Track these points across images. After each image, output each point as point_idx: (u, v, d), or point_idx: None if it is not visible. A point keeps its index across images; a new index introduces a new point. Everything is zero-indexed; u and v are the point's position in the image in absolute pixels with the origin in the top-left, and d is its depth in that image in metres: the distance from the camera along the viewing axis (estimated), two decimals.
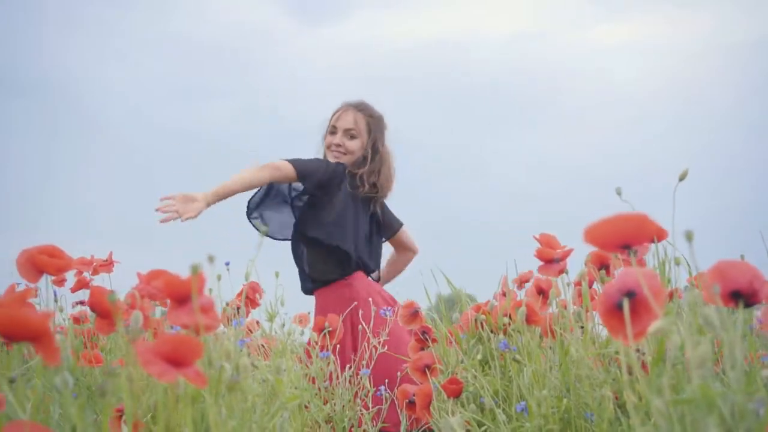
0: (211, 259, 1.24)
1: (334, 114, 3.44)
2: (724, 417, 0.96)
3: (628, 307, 1.10)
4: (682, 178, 1.72)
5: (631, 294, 1.11)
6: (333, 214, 3.24)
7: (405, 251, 3.64)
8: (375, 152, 3.36)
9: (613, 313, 1.14)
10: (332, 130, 3.40)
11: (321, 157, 3.44)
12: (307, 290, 3.31)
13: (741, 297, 1.12)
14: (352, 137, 3.36)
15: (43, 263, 1.50)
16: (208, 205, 2.85)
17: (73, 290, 2.96)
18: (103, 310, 1.57)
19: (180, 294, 1.21)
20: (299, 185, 3.32)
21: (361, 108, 3.43)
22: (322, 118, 3.51)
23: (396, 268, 3.67)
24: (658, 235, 1.76)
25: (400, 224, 3.58)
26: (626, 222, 1.15)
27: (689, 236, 1.09)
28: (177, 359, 1.08)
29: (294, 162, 3.16)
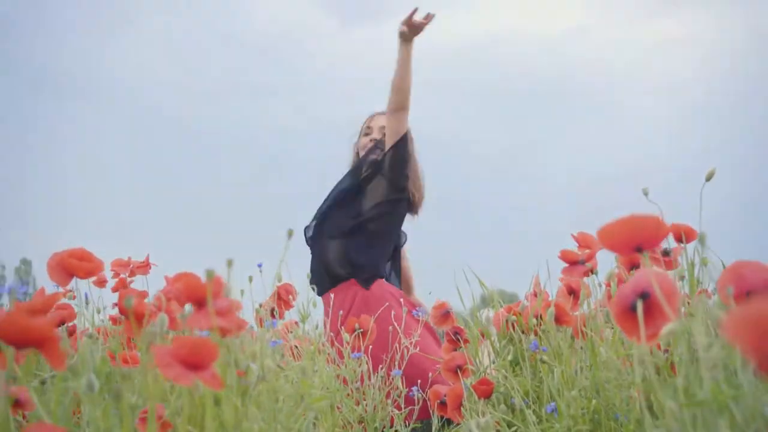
0: (230, 263, 1.26)
1: (365, 120, 3.50)
2: (735, 419, 0.95)
3: (641, 309, 1.10)
4: (708, 178, 1.68)
5: (645, 295, 1.11)
6: (381, 227, 3.31)
7: (404, 260, 3.69)
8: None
9: (628, 314, 1.13)
10: (367, 132, 3.47)
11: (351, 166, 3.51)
12: (320, 292, 3.34)
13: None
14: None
15: (73, 266, 1.54)
16: (409, 42, 3.16)
17: (114, 290, 3.03)
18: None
19: (199, 297, 1.23)
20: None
21: None
22: (354, 119, 3.57)
23: (409, 281, 3.71)
24: (687, 235, 1.74)
25: (406, 235, 3.67)
26: (639, 223, 1.14)
27: (701, 239, 1.09)
28: (194, 362, 1.10)
29: (407, 134, 3.30)
